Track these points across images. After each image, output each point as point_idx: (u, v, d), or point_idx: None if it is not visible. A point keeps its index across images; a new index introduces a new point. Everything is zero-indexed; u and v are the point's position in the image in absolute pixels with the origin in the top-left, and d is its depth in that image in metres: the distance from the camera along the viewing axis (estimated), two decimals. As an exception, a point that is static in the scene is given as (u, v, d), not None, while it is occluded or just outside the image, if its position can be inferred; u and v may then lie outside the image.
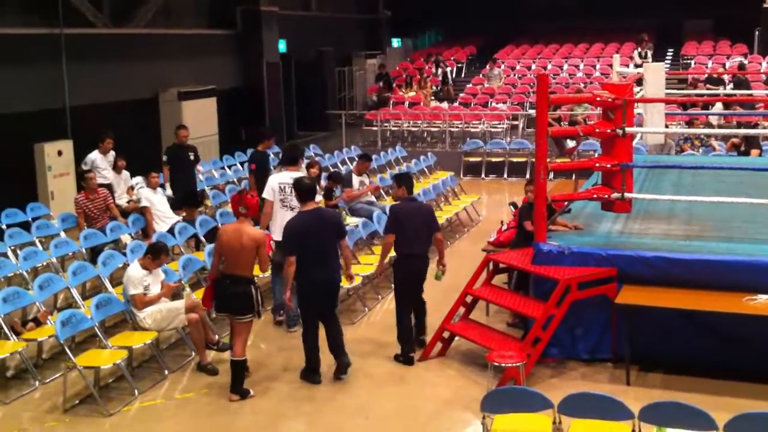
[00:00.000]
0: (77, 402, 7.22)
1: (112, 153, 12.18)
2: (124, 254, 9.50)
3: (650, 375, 7.39)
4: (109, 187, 11.62)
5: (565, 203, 8.99)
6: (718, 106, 15.33)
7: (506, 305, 8.08)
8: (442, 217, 11.92)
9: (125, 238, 10.67)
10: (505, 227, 9.60)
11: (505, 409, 5.53)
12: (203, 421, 6.94)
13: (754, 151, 13.43)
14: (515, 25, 27.16)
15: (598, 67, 22.25)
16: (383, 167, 16.03)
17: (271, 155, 12.79)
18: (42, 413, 7.08)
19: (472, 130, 19.24)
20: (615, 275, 7.51)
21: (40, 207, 12.21)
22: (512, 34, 26.61)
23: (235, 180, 14.79)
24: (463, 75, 24.63)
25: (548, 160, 7.95)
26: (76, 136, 14.13)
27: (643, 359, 7.46)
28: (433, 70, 23.16)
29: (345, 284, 8.09)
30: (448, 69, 23.61)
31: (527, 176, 15.86)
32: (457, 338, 8.09)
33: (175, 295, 8.45)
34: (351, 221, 10.95)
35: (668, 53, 23.72)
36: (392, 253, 8.07)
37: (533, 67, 23.01)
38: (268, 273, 9.04)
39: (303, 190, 7.59)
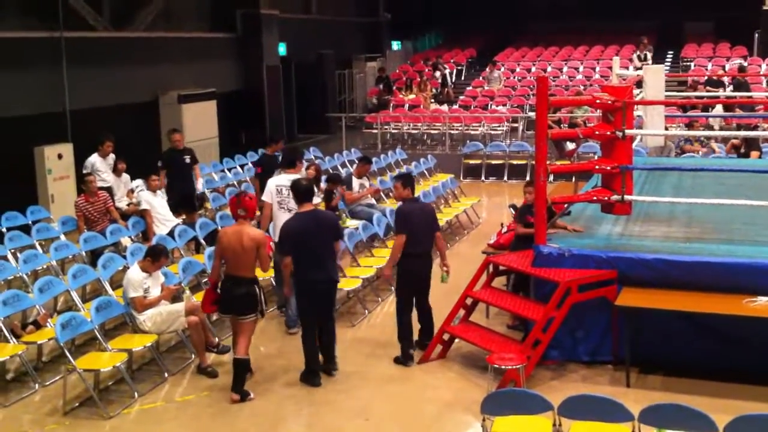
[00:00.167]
0: (77, 405, 7.22)
1: (112, 156, 12.18)
2: (124, 257, 9.50)
3: (650, 377, 7.39)
4: (109, 190, 11.63)
5: (565, 205, 8.98)
6: (718, 109, 15.33)
7: (506, 307, 8.08)
8: (442, 219, 11.91)
9: (125, 241, 10.68)
10: (505, 229, 9.61)
11: (505, 411, 5.53)
12: (203, 423, 6.94)
13: (754, 153, 13.44)
14: (515, 27, 27.20)
15: (597, 69, 22.27)
16: (383, 170, 16.04)
17: (280, 158, 12.81)
18: (42, 416, 7.08)
19: (472, 132, 19.24)
20: (615, 277, 7.51)
21: (40, 210, 12.21)
22: (512, 36, 26.65)
23: (235, 183, 14.80)
24: (463, 77, 24.65)
25: (548, 162, 7.95)
26: (77, 140, 14.13)
27: (643, 361, 7.46)
28: (433, 73, 23.17)
29: (341, 286, 8.14)
30: (447, 71, 23.62)
31: (527, 178, 15.86)
32: (457, 340, 8.08)
33: (175, 297, 8.45)
34: (351, 224, 10.95)
35: (668, 55, 23.73)
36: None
37: (533, 69, 23.03)
38: (269, 274, 9.08)
39: (300, 191, 7.62)
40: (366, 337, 8.75)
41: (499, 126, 19.36)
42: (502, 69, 22.77)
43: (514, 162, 17.61)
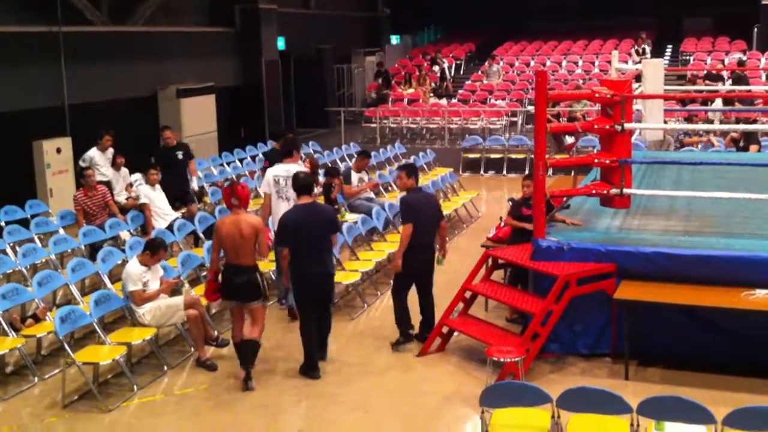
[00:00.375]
0: (76, 398, 7.23)
1: (111, 150, 12.18)
2: (123, 251, 9.50)
3: (649, 370, 7.39)
4: (107, 184, 11.63)
5: (564, 199, 8.99)
6: (718, 103, 15.32)
7: (505, 301, 8.09)
8: (442, 214, 11.90)
9: (124, 235, 10.69)
10: (503, 223, 9.61)
11: (503, 404, 5.54)
12: (202, 416, 6.95)
13: (753, 147, 13.43)
14: (514, 21, 27.15)
15: (596, 63, 22.25)
16: (382, 164, 16.04)
17: None
18: (41, 409, 7.10)
19: (471, 126, 19.24)
20: (614, 271, 7.52)
21: (39, 204, 12.22)
22: (511, 30, 26.60)
23: (234, 177, 14.79)
24: (462, 72, 24.62)
25: (547, 156, 7.95)
26: (75, 134, 14.13)
27: (641, 354, 7.47)
28: (432, 67, 23.14)
29: (340, 280, 8.20)
30: (446, 66, 23.60)
31: (526, 172, 15.85)
32: (456, 333, 8.10)
33: (174, 291, 8.46)
34: (350, 218, 10.96)
35: (667, 50, 23.71)
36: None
37: (532, 63, 23.00)
38: (271, 267, 9.12)
39: (299, 184, 7.70)
40: (365, 331, 8.76)
41: (498, 120, 19.34)
42: (501, 63, 22.75)
43: (513, 156, 17.60)
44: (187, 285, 9.04)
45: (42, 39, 14.04)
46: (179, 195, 11.78)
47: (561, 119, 15.54)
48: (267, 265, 9.01)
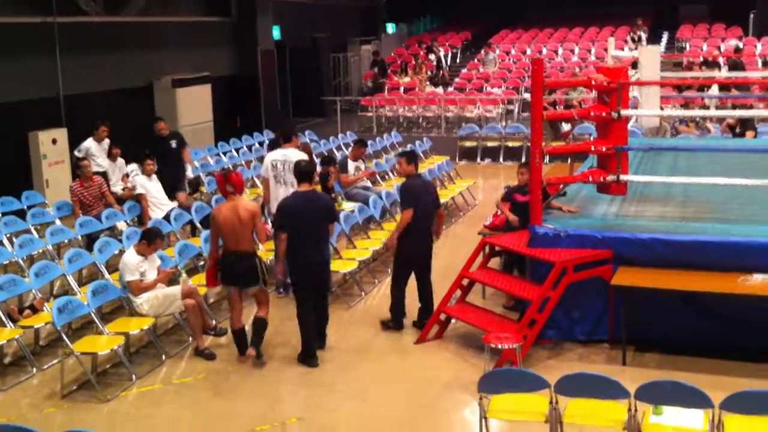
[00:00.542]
0: (75, 388, 7.24)
1: (107, 141, 12.15)
2: (120, 241, 9.49)
3: (646, 355, 7.42)
4: (104, 174, 11.62)
5: (561, 186, 8.99)
6: (714, 89, 15.31)
7: (502, 288, 8.11)
8: (439, 201, 11.91)
9: (121, 225, 10.67)
10: (498, 209, 9.62)
11: (502, 390, 5.55)
12: (201, 405, 6.97)
13: (750, 133, 13.43)
14: (511, 9, 27.06)
15: (593, 50, 22.21)
16: (379, 153, 16.02)
17: None
18: (40, 399, 7.10)
19: (468, 115, 19.20)
20: (611, 257, 7.53)
21: (35, 195, 12.20)
22: (507, 18, 26.51)
23: (230, 166, 14.76)
24: (458, 60, 24.57)
25: (543, 143, 7.95)
26: (71, 125, 14.10)
27: (639, 340, 7.49)
28: (428, 56, 23.09)
29: (337, 268, 8.23)
30: (442, 54, 23.55)
31: (523, 160, 15.85)
32: (453, 321, 8.11)
33: (172, 281, 8.46)
34: (347, 206, 10.95)
35: (663, 37, 23.65)
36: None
37: (528, 51, 22.96)
38: (270, 256, 9.13)
39: (299, 171, 7.77)
40: (362, 319, 8.77)
41: (494, 108, 19.31)
42: (498, 51, 22.71)
43: (510, 144, 17.58)
44: (184, 275, 9.02)
45: (37, 30, 13.99)
46: (175, 184, 11.76)
47: (557, 107, 15.52)
48: (267, 254, 9.01)
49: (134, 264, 7.85)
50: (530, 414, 5.54)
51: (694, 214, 8.37)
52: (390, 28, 27.85)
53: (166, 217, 10.51)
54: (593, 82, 8.06)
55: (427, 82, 21.42)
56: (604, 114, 7.95)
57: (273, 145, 11.63)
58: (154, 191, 11.01)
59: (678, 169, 10.20)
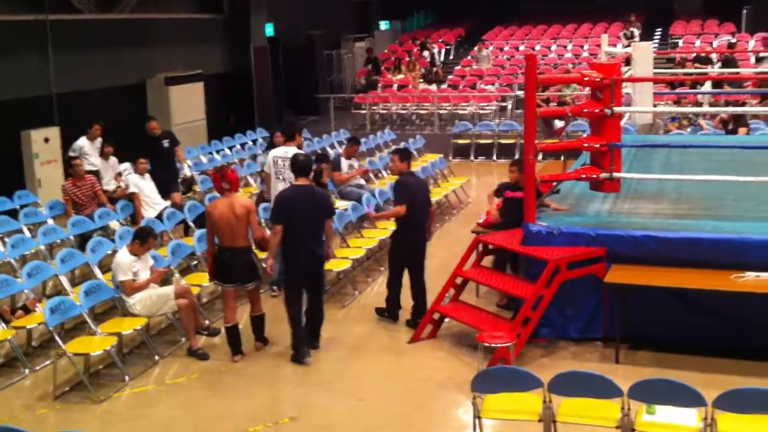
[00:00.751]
0: (68, 389, 7.21)
1: (100, 140, 12.11)
2: (113, 241, 9.46)
3: (639, 353, 7.42)
4: (96, 173, 11.58)
5: (554, 184, 8.99)
6: (707, 86, 15.32)
7: (496, 286, 8.10)
8: (431, 199, 11.90)
9: (114, 225, 10.63)
10: (489, 202, 9.61)
11: (495, 389, 5.55)
12: (195, 406, 6.95)
13: (742, 130, 13.44)
14: (504, 6, 27.05)
15: (586, 47, 22.21)
16: (372, 150, 16.00)
17: None
18: (33, 400, 7.08)
19: (461, 112, 19.18)
20: (604, 255, 7.53)
21: (27, 194, 12.16)
22: (501, 15, 26.50)
23: (224, 165, 14.72)
24: (451, 57, 24.56)
25: (537, 141, 7.95)
26: (63, 123, 14.04)
27: (632, 338, 7.49)
28: (421, 53, 23.07)
29: (331, 267, 8.33)
30: (436, 51, 23.53)
31: (516, 157, 15.84)
32: (447, 320, 8.11)
33: (165, 281, 8.44)
34: (340, 204, 10.93)
35: (656, 33, 23.68)
36: (392, 225, 8.55)
37: (522, 48, 22.95)
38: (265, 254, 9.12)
39: (296, 166, 7.80)
40: (357, 318, 8.76)
41: (487, 105, 19.30)
42: (491, 48, 22.70)
43: (503, 141, 17.59)
44: (177, 274, 9.01)
45: (29, 27, 13.92)
46: (168, 184, 11.72)
47: (551, 104, 15.51)
48: (263, 254, 8.94)
49: (127, 264, 7.82)
50: (524, 413, 5.54)
51: (688, 211, 8.37)
52: (383, 24, 27.81)
53: (159, 216, 10.48)
54: (586, 79, 8.05)
55: (421, 80, 21.40)
56: (597, 111, 7.93)
57: (269, 145, 11.61)
58: (147, 190, 10.98)
59: (671, 166, 10.21)
